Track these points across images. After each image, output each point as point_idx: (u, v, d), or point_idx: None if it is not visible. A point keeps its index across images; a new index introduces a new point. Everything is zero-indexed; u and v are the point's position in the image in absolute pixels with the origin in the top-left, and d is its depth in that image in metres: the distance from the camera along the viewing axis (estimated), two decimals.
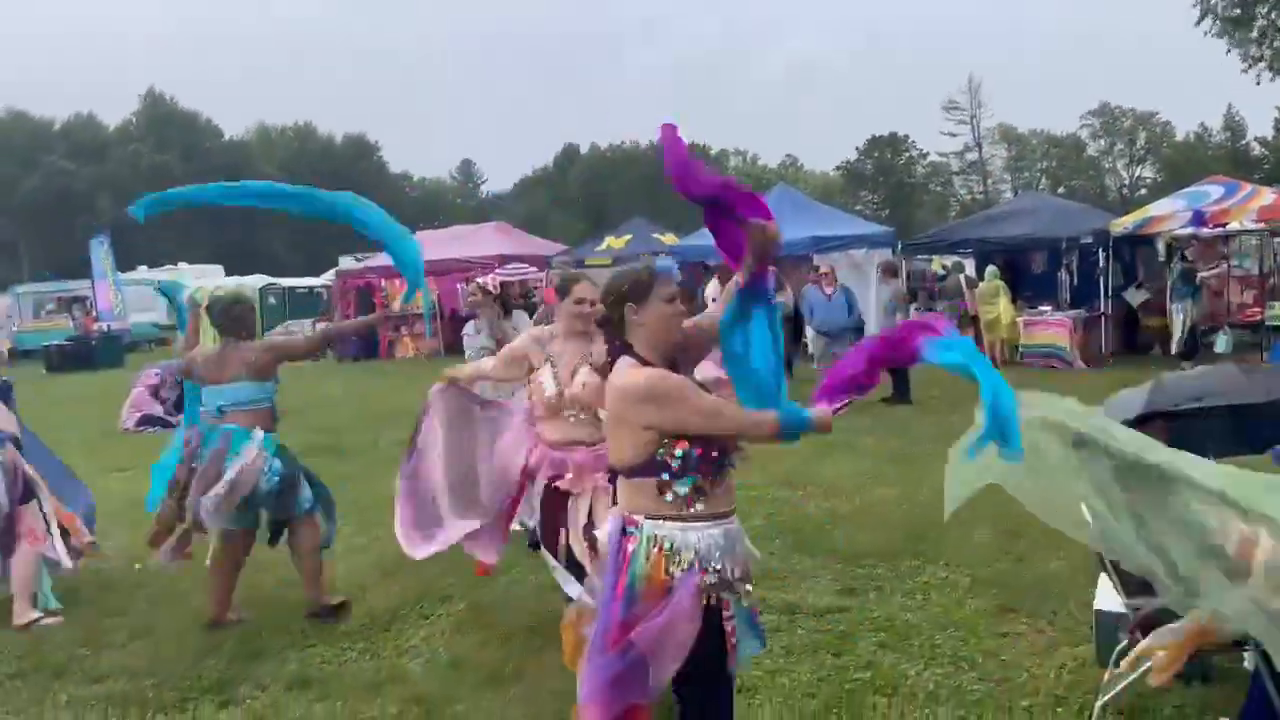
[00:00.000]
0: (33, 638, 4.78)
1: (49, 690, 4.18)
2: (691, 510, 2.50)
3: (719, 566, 2.51)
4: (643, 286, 2.60)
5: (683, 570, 2.46)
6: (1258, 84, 32.22)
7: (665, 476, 2.49)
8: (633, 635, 2.42)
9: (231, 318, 4.82)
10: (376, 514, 6.07)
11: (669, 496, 2.49)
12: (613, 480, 2.68)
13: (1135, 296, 14.80)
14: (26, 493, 5.12)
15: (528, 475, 4.14)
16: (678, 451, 2.47)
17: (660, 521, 2.50)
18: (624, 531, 2.53)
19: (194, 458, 4.65)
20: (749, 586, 2.65)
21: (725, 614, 2.54)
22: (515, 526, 6.11)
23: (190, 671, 4.29)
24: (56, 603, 5.15)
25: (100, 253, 26.29)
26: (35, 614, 4.95)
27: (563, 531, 3.95)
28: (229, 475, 4.52)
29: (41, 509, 5.18)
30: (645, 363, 2.57)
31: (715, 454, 2.51)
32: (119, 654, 4.56)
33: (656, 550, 2.47)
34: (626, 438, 2.54)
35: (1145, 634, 2.77)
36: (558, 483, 3.95)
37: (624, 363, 2.59)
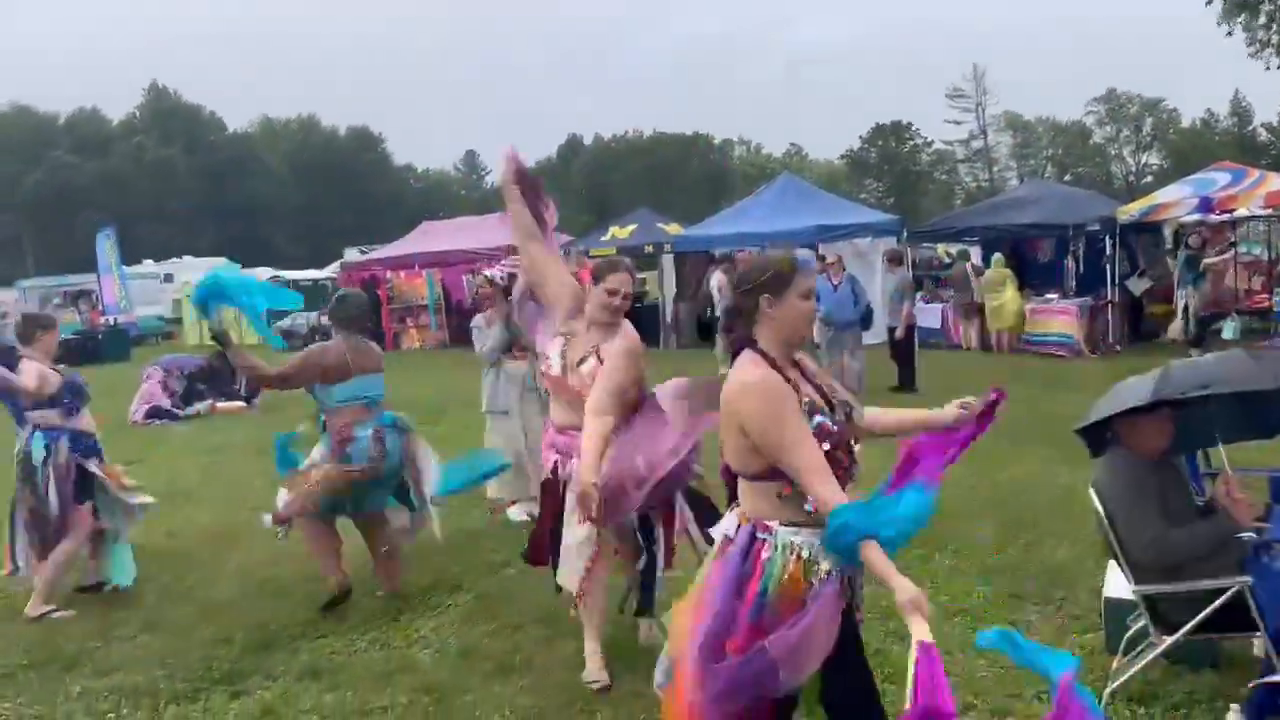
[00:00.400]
0: (45, 630, 4.82)
1: (61, 682, 4.21)
2: (824, 516, 2.36)
3: (851, 571, 2.44)
4: (782, 278, 2.45)
5: (820, 580, 2.37)
6: (1267, 69, 32.15)
7: (796, 483, 2.37)
8: (766, 641, 2.31)
9: (360, 317, 5.16)
10: None
11: (801, 503, 2.38)
12: (730, 480, 2.58)
13: (1137, 285, 14.73)
14: (82, 491, 5.15)
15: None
16: None
17: (795, 529, 2.40)
18: (753, 536, 2.43)
19: (383, 451, 4.84)
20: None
21: (857, 617, 2.50)
22: (523, 517, 6.15)
23: (201, 663, 4.31)
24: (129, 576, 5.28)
25: (105, 246, 26.41)
26: (48, 606, 5.01)
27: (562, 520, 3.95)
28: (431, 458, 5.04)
29: (97, 514, 5.23)
30: (769, 359, 2.45)
31: (845, 459, 2.43)
32: (130, 646, 4.59)
33: (794, 559, 2.37)
34: (731, 440, 2.45)
35: None
36: (562, 467, 3.93)
37: (746, 357, 2.47)
